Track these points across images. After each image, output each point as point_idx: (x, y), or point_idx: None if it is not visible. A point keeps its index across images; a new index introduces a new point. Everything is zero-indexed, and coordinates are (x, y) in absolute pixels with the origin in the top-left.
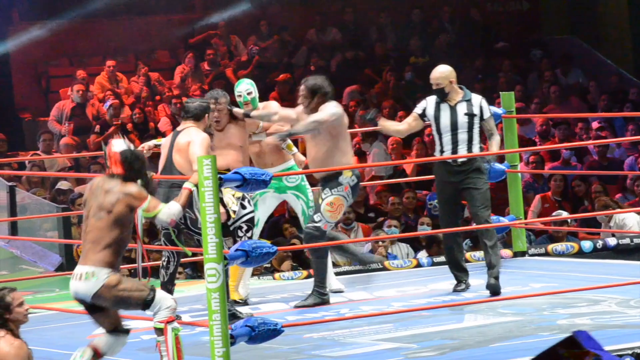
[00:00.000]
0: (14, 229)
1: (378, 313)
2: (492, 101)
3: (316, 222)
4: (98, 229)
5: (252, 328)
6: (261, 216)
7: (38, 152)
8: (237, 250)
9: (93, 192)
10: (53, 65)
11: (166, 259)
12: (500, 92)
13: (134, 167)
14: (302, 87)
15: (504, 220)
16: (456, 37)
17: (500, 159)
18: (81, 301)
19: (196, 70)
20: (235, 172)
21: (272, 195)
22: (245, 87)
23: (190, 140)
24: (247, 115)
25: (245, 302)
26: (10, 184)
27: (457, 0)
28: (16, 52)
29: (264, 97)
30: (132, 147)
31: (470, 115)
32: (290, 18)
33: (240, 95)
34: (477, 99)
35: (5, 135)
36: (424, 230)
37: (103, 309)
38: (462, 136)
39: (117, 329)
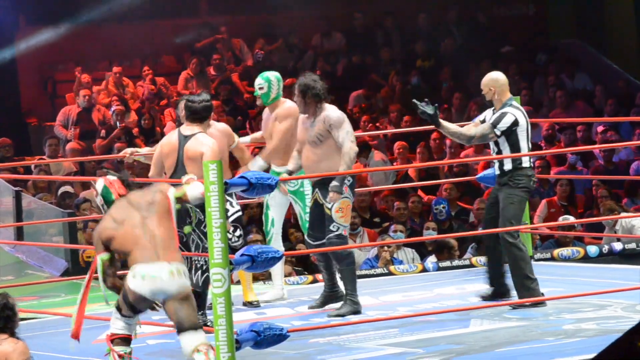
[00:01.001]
0: (19, 234)
1: (384, 318)
2: None
3: (335, 232)
4: (162, 221)
5: (257, 333)
6: (275, 216)
7: (44, 156)
8: (242, 255)
9: (127, 208)
10: (59, 70)
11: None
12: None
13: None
14: (295, 88)
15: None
16: (462, 41)
17: None
18: (142, 302)
19: (201, 75)
20: (241, 177)
21: (280, 194)
22: (258, 81)
23: (203, 152)
24: None
25: (258, 304)
26: (16, 188)
27: (464, 4)
28: (22, 56)
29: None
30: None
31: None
32: (296, 23)
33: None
34: (503, 111)
35: (11, 139)
36: (430, 235)
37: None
38: (492, 146)
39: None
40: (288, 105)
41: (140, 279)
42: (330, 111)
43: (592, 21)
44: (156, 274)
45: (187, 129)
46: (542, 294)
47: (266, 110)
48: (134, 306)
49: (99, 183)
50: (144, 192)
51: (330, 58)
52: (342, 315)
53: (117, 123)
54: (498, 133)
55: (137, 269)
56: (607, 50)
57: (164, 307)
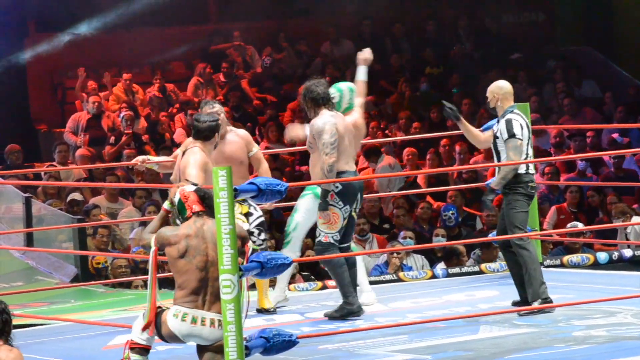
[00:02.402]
0: (29, 240)
1: (393, 324)
2: None
3: (318, 237)
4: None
5: (267, 339)
6: (301, 221)
7: (54, 163)
8: (252, 261)
9: (203, 238)
10: (69, 77)
11: None
12: (516, 104)
13: (207, 202)
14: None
15: None
16: (471, 48)
17: None
18: (173, 339)
19: (209, 81)
20: (251, 183)
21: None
22: (331, 91)
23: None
24: None
25: (274, 311)
26: (26, 195)
27: (473, 12)
28: (32, 63)
29: (280, 108)
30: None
31: (494, 136)
32: (305, 30)
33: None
34: (502, 119)
35: (21, 146)
36: (439, 241)
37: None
38: (494, 153)
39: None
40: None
41: (181, 320)
42: (317, 119)
43: (601, 28)
44: (198, 321)
45: (191, 143)
46: (551, 300)
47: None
48: (164, 338)
49: (176, 194)
50: (211, 227)
51: (339, 65)
52: (333, 318)
53: (126, 129)
54: (520, 139)
55: (182, 309)
56: (616, 57)
57: (198, 352)
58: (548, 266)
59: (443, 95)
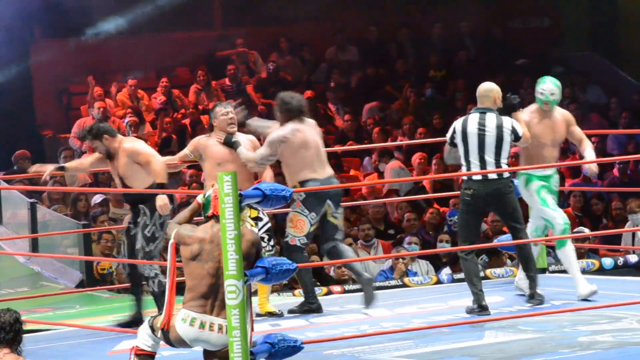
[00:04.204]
0: (34, 246)
1: (398, 330)
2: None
3: (285, 239)
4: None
5: (272, 345)
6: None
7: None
8: (257, 266)
9: (216, 245)
10: (74, 83)
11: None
12: (521, 109)
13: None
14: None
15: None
16: (476, 53)
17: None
18: (180, 344)
19: (208, 87)
20: (256, 188)
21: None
22: (550, 86)
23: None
24: (231, 145)
25: (280, 315)
26: (31, 200)
27: (478, 17)
28: (37, 69)
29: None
30: None
31: None
32: (310, 35)
33: (542, 93)
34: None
35: (25, 151)
36: (444, 247)
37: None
38: None
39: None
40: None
41: (189, 324)
42: (279, 130)
43: (606, 34)
44: (206, 326)
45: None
46: (486, 306)
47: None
48: (171, 343)
49: (208, 191)
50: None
51: (344, 70)
52: (293, 312)
53: (130, 134)
54: (451, 144)
55: (191, 314)
56: (621, 62)
57: (205, 358)
58: (553, 271)
59: (447, 101)
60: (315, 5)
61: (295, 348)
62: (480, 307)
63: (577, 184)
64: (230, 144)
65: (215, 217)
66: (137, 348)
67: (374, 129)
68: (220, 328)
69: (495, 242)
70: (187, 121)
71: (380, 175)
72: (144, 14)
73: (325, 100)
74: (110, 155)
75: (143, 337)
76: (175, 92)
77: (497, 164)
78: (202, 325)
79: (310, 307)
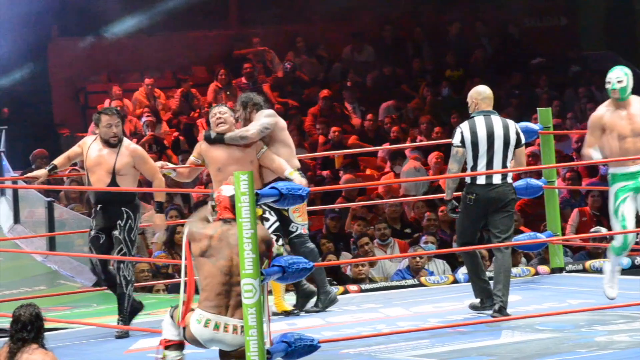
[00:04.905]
0: (52, 244)
1: (415, 329)
2: (529, 117)
3: (295, 232)
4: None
5: (288, 344)
6: None
7: (76, 167)
8: (273, 265)
9: (226, 243)
10: (91, 82)
11: None
12: (538, 108)
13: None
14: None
15: (541, 237)
16: (493, 52)
17: (537, 175)
18: (196, 344)
19: (229, 86)
20: (272, 187)
21: None
22: (617, 74)
23: None
24: (216, 141)
25: (297, 313)
26: (48, 199)
27: (494, 16)
28: (55, 68)
29: (302, 112)
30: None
31: None
32: (326, 34)
33: (609, 82)
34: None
35: (43, 150)
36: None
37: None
38: None
39: None
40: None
41: (203, 326)
42: (265, 110)
43: (623, 33)
44: (221, 327)
45: None
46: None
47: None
48: (187, 340)
49: (223, 189)
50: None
51: (360, 69)
52: (324, 310)
53: (147, 133)
54: (459, 147)
55: (205, 315)
56: (638, 61)
57: (221, 358)
58: (570, 271)
59: (464, 100)
60: (332, 5)
61: (312, 347)
62: (490, 305)
63: (594, 183)
64: (210, 140)
65: (222, 220)
66: (165, 340)
67: (391, 128)
68: (235, 329)
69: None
70: (202, 120)
71: (396, 175)
72: (160, 13)
73: (342, 99)
74: (111, 145)
75: (167, 329)
76: (191, 91)
77: (504, 167)
78: (216, 327)
79: (331, 297)
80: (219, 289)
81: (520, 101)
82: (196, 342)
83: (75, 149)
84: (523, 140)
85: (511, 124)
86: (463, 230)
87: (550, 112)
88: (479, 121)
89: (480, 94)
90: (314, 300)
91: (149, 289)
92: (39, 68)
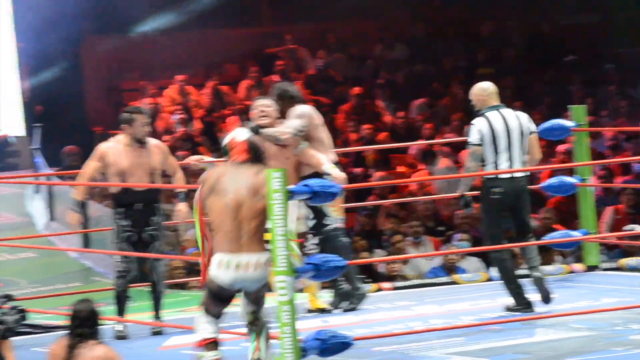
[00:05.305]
0: (86, 241)
1: (448, 327)
2: (562, 114)
3: (330, 225)
4: (257, 216)
5: (322, 341)
6: None
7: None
8: (307, 263)
9: (235, 180)
10: (124, 79)
11: None
12: (571, 106)
13: (257, 154)
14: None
15: (576, 234)
16: (525, 49)
17: (571, 172)
18: (222, 292)
19: (261, 83)
20: (305, 185)
21: None
22: None
23: None
24: (255, 132)
25: (330, 311)
26: None
27: (527, 13)
28: (88, 65)
29: (333, 110)
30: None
31: None
32: (357, 32)
33: None
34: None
35: (77, 147)
36: None
37: (229, 300)
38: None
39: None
40: None
41: (224, 268)
42: (299, 106)
43: None
44: (241, 266)
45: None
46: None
47: None
48: (216, 296)
49: (238, 135)
50: (248, 172)
51: (391, 67)
52: (357, 307)
53: (178, 130)
54: (477, 144)
55: (220, 258)
56: None
57: (244, 295)
58: (605, 269)
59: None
60: (364, 2)
61: (346, 344)
62: (526, 305)
63: (628, 181)
64: (251, 130)
65: (234, 162)
66: (202, 340)
67: (423, 126)
68: (253, 265)
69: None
70: (234, 118)
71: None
72: (193, 10)
73: (373, 96)
74: (141, 143)
75: (202, 327)
76: (223, 89)
77: (522, 160)
78: (237, 266)
79: (362, 292)
80: (229, 225)
81: (553, 99)
82: (223, 291)
83: (93, 167)
84: (534, 129)
85: (521, 114)
86: (495, 227)
87: (583, 109)
88: (494, 116)
89: (486, 90)
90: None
91: (183, 286)
92: (73, 66)
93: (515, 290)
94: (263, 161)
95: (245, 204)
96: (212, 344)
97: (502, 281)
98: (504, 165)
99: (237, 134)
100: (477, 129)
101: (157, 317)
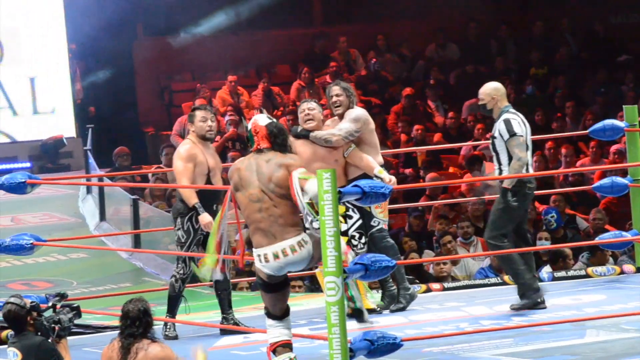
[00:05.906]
0: (137, 242)
1: (498, 328)
2: (614, 115)
3: (376, 227)
4: (280, 202)
5: (371, 342)
6: None
7: (161, 165)
8: (356, 263)
9: (252, 172)
10: (175, 80)
11: None
12: (624, 106)
13: (278, 140)
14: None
15: (627, 235)
16: (578, 49)
17: (623, 173)
18: (272, 279)
19: (312, 84)
20: (355, 185)
21: None
22: None
23: None
24: (301, 136)
25: (379, 311)
26: (133, 197)
27: (579, 13)
28: (140, 66)
29: (385, 111)
30: (275, 120)
31: (492, 137)
32: (408, 32)
33: None
34: (500, 120)
35: (129, 148)
36: (543, 245)
37: (284, 288)
38: (493, 154)
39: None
40: None
41: (264, 262)
42: (356, 109)
43: None
44: (280, 255)
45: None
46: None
47: None
48: (269, 286)
49: (258, 119)
50: (261, 161)
51: (443, 67)
52: (406, 307)
53: (229, 132)
54: (522, 135)
55: (257, 253)
56: None
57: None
58: None
59: (548, 97)
60: (416, 3)
61: (395, 345)
62: (535, 290)
63: None
64: (297, 135)
65: (257, 151)
66: (270, 346)
67: (475, 126)
68: (292, 249)
69: (598, 240)
70: (285, 119)
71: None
72: (244, 11)
73: (425, 97)
74: (207, 139)
75: (270, 332)
76: (274, 90)
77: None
78: (275, 256)
79: (411, 293)
80: (256, 217)
81: (606, 99)
82: (272, 277)
83: (188, 168)
84: None
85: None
86: (513, 221)
87: (636, 109)
88: (516, 115)
89: (499, 90)
90: None
91: (233, 287)
92: (125, 67)
93: (527, 282)
94: (285, 146)
95: (265, 193)
96: (281, 347)
97: (510, 273)
98: (530, 162)
99: (258, 119)
100: (517, 121)
101: (226, 317)
